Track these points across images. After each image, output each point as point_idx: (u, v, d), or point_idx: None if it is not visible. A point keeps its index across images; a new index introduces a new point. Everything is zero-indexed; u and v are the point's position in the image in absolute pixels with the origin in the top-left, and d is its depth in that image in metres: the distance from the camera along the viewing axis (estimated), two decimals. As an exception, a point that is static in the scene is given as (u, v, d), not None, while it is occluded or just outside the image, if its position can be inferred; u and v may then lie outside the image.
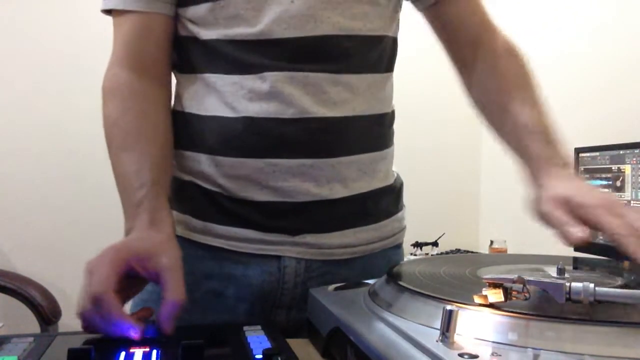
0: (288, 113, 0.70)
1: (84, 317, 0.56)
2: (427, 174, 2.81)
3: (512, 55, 0.80)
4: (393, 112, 0.83)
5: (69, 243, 2.38)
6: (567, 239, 0.55)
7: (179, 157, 0.77)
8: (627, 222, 0.54)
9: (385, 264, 0.79)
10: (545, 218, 0.60)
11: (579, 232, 0.55)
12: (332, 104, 0.72)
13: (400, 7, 0.81)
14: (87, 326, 0.56)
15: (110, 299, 0.55)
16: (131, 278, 0.60)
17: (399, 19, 0.81)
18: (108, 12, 0.76)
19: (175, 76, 0.79)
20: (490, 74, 0.78)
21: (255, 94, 0.71)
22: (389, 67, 0.80)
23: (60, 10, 2.40)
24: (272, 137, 0.71)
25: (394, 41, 0.81)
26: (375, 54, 0.77)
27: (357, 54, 0.74)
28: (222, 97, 0.72)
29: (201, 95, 0.74)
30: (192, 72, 0.75)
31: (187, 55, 0.76)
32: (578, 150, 2.06)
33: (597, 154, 1.96)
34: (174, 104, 0.79)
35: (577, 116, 2.34)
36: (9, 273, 2.24)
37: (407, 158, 2.57)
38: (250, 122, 0.71)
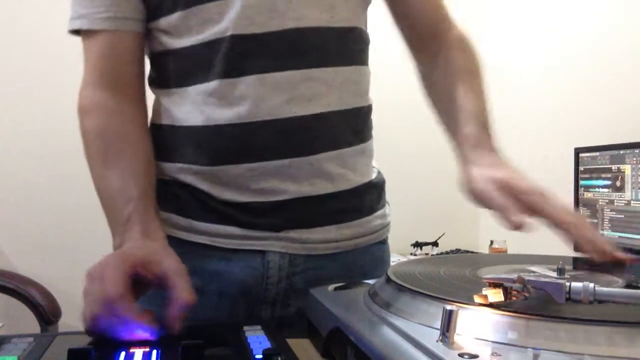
0: (259, 116, 0.70)
1: (96, 321, 0.55)
2: (428, 173, 2.81)
3: (463, 47, 0.82)
4: (370, 106, 0.82)
5: (69, 243, 2.38)
6: (509, 222, 0.58)
7: (158, 167, 0.77)
8: (569, 211, 0.60)
9: (369, 259, 0.80)
10: (480, 196, 0.64)
11: (521, 218, 0.58)
12: (305, 100, 0.72)
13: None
14: (95, 330, 0.56)
15: (128, 301, 0.55)
16: (134, 284, 0.60)
17: (366, 13, 0.82)
18: (76, 32, 0.75)
19: (152, 91, 0.79)
20: (441, 64, 0.81)
21: (226, 100, 0.71)
22: (361, 59, 0.80)
23: (59, 10, 2.40)
24: (246, 142, 0.71)
25: (364, 33, 0.81)
26: (346, 46, 0.76)
27: (326, 47, 0.74)
28: (196, 107, 0.73)
29: (176, 107, 0.75)
30: (167, 86, 0.76)
31: (162, 69, 0.76)
32: (578, 150, 2.06)
33: (597, 154, 1.97)
34: (152, 118, 0.79)
35: (577, 116, 2.34)
36: (9, 273, 2.24)
37: (407, 158, 2.58)
38: (222, 130, 0.71)
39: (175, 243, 0.73)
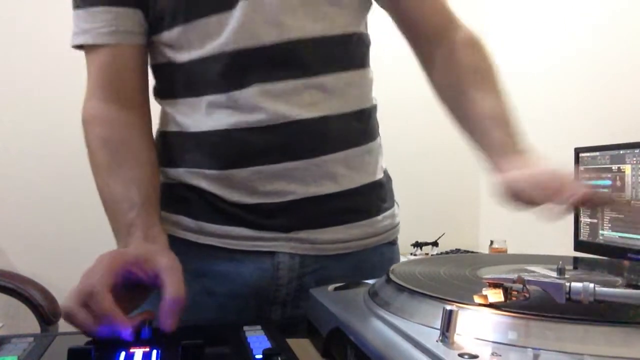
0: (265, 121, 0.71)
1: (68, 314, 0.55)
2: (427, 173, 2.81)
3: (471, 46, 0.79)
4: (374, 107, 0.83)
5: (69, 243, 2.38)
6: (568, 200, 0.55)
7: (166, 172, 0.79)
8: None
9: (378, 260, 0.80)
10: (522, 197, 0.60)
11: (562, 210, 0.55)
12: (307, 105, 0.73)
13: (370, 5, 0.81)
14: (74, 324, 0.55)
15: (101, 293, 0.55)
16: (134, 287, 0.60)
17: (366, 16, 0.81)
18: (80, 47, 0.76)
19: (157, 102, 0.80)
20: (449, 66, 0.78)
21: (230, 109, 0.72)
22: (362, 62, 0.80)
23: (59, 10, 2.40)
24: (252, 146, 0.72)
25: (364, 36, 0.81)
26: (345, 52, 0.77)
27: (326, 55, 0.74)
28: (202, 115, 0.73)
29: (182, 115, 0.76)
30: (172, 96, 0.77)
31: (166, 81, 0.77)
32: (578, 150, 2.06)
33: (597, 154, 1.96)
34: (160, 125, 0.80)
35: (577, 116, 2.34)
36: (9, 273, 2.24)
37: (407, 158, 2.58)
38: (228, 135, 0.72)
39: (185, 245, 0.75)
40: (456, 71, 0.77)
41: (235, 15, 0.70)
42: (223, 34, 0.71)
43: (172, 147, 0.78)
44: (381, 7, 0.82)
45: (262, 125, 0.71)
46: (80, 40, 0.75)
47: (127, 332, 0.54)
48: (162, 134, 0.80)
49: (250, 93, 0.71)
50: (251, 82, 0.71)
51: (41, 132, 2.40)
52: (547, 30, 2.55)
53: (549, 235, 2.26)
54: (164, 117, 0.80)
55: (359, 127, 0.79)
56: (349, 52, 0.77)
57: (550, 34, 2.53)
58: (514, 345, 0.39)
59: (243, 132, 0.72)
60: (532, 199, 0.59)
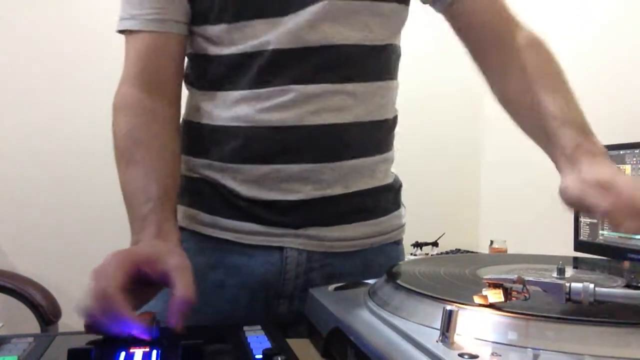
0: (289, 121, 0.73)
1: (88, 315, 0.55)
2: (428, 174, 2.81)
3: (533, 47, 0.78)
4: (395, 118, 0.85)
5: (70, 243, 2.38)
6: (614, 225, 0.55)
7: (187, 162, 0.80)
8: None
9: (384, 259, 0.82)
10: (577, 203, 0.61)
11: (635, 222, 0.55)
12: (334, 110, 0.74)
13: (406, 18, 0.81)
14: (90, 325, 0.56)
15: (118, 296, 0.55)
16: (142, 285, 0.60)
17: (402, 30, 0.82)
18: (121, 31, 0.77)
19: (187, 89, 0.81)
20: (513, 70, 0.76)
21: (259, 106, 0.73)
22: (392, 74, 0.82)
23: (59, 11, 2.40)
24: (276, 144, 0.74)
25: (397, 48, 0.82)
26: (379, 63, 0.79)
27: (360, 63, 0.76)
28: (229, 109, 0.75)
29: (210, 107, 0.77)
30: (203, 88, 0.78)
31: (199, 71, 0.79)
32: (578, 150, 2.05)
33: (597, 154, 1.96)
34: (187, 114, 0.81)
35: (577, 116, 2.34)
36: (9, 273, 2.24)
37: (407, 158, 2.57)
38: (253, 131, 0.74)
39: (200, 238, 0.78)
40: (521, 74, 0.75)
41: (284, 23, 0.72)
42: (267, 36, 0.72)
43: (195, 137, 0.79)
44: (438, 12, 0.81)
45: (288, 125, 0.73)
46: (127, 25, 0.75)
47: (143, 332, 0.54)
48: (188, 123, 0.81)
49: (279, 91, 0.72)
50: (282, 82, 0.73)
51: (42, 132, 2.40)
52: (546, 30, 2.55)
53: (549, 235, 2.26)
54: (192, 105, 0.81)
55: (378, 137, 0.81)
56: (382, 62, 0.79)
57: (549, 34, 2.53)
58: (514, 345, 0.39)
59: (268, 130, 0.73)
60: (584, 209, 0.60)
